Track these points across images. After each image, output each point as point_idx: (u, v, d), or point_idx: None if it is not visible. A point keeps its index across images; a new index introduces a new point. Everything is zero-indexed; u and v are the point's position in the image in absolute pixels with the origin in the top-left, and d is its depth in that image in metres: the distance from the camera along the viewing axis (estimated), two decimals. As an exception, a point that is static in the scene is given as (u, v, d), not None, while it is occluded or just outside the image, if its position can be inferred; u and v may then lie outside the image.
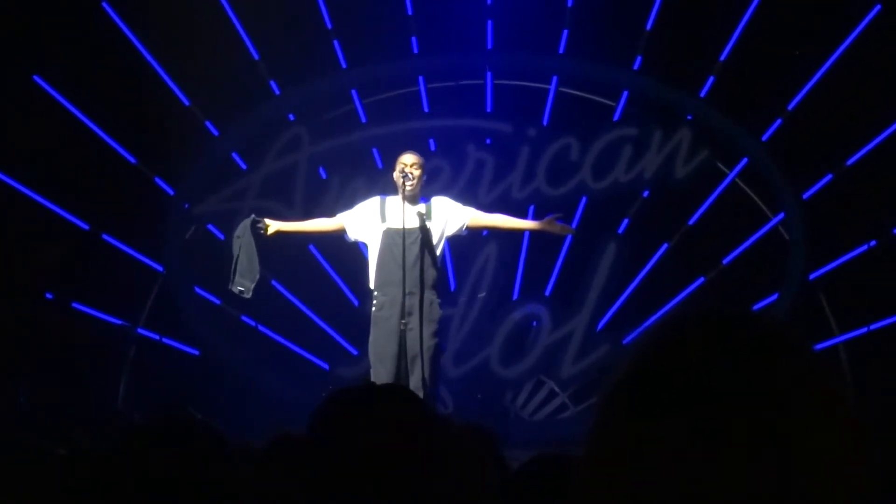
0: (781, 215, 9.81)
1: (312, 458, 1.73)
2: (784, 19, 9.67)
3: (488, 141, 9.90)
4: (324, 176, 9.84)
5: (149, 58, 9.84)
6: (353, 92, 10.09)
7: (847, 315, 9.56)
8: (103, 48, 9.69)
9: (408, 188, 7.26)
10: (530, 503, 2.70)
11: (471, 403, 9.55)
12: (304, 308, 9.95)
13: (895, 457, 2.56)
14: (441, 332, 7.53)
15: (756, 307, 9.30)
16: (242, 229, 7.61)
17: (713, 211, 9.91)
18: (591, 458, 1.15)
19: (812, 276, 9.69)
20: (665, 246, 9.92)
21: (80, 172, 9.64)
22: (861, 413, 1.14)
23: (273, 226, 7.60)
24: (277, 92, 10.05)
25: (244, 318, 9.82)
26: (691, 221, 9.92)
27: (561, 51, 10.06)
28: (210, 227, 9.81)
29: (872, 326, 9.50)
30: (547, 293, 9.93)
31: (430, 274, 7.30)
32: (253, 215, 7.74)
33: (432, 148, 9.80)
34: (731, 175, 9.91)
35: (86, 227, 9.72)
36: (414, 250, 7.22)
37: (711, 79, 9.91)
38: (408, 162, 7.34)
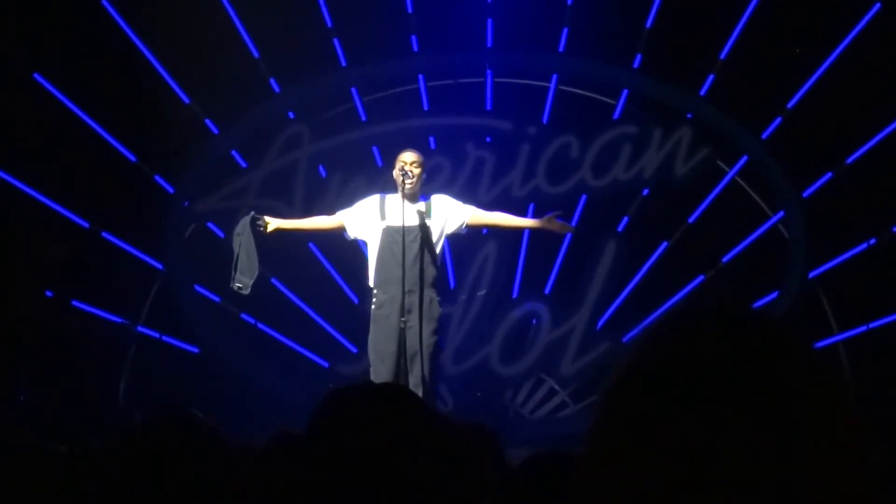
0: (781, 214, 9.81)
1: (312, 457, 1.74)
2: (784, 18, 9.67)
3: (488, 139, 9.89)
4: (324, 174, 9.84)
5: (149, 56, 9.84)
6: (353, 90, 10.08)
7: (847, 313, 9.56)
8: (103, 46, 9.68)
9: (407, 186, 7.26)
10: (530, 501, 2.70)
11: (470, 401, 9.55)
12: (303, 306, 9.95)
13: (895, 455, 2.56)
14: (441, 330, 7.54)
15: (756, 305, 9.29)
16: (242, 227, 7.63)
17: (713, 209, 9.91)
18: (592, 456, 1.15)
19: (812, 275, 9.69)
20: (665, 244, 9.91)
21: (79, 170, 9.64)
22: (861, 411, 1.15)
23: (273, 223, 7.61)
24: (277, 90, 10.04)
25: (244, 316, 9.82)
26: (691, 220, 9.92)
27: (561, 49, 10.05)
28: (210, 225, 9.81)
29: (872, 325, 9.50)
30: (547, 291, 9.93)
31: (430, 272, 7.31)
32: (252, 213, 7.74)
33: (432, 146, 9.80)
34: (731, 173, 9.91)
35: (86, 225, 9.72)
36: (413, 248, 7.23)
37: (711, 77, 9.91)
38: (408, 160, 7.34)
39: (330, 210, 7.98)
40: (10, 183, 9.50)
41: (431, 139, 9.87)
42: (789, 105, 9.84)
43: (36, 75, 9.64)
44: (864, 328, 9.51)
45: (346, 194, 9.08)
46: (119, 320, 9.74)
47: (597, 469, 1.13)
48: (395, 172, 7.37)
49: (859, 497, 1.09)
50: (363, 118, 10.07)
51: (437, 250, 7.38)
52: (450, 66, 10.13)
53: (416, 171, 7.32)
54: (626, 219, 9.90)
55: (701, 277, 9.85)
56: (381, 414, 1.77)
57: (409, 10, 10.06)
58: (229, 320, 9.77)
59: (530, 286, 9.93)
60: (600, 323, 9.81)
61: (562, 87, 10.04)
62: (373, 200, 7.50)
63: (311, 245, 9.82)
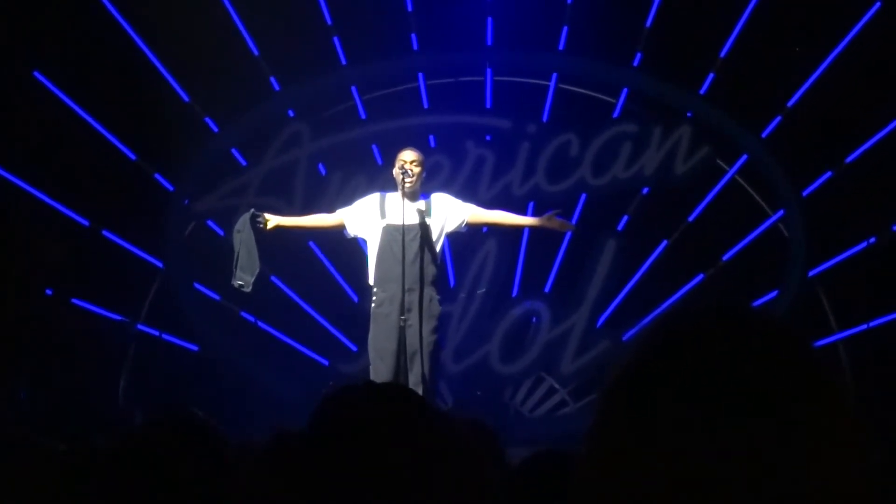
0: (781, 212, 9.82)
1: (312, 457, 1.74)
2: (784, 16, 9.67)
3: (488, 137, 9.89)
4: (324, 172, 9.84)
5: (149, 54, 9.84)
6: (353, 88, 10.08)
7: (846, 312, 9.56)
8: (103, 44, 9.68)
9: (407, 185, 7.27)
10: (531, 500, 2.70)
11: (470, 400, 9.55)
12: (303, 304, 9.95)
13: (895, 454, 2.56)
14: (440, 328, 7.54)
15: (755, 304, 9.29)
16: (242, 224, 7.63)
17: (713, 208, 9.91)
18: (592, 455, 1.15)
19: (811, 273, 9.69)
20: (665, 243, 9.92)
21: (80, 169, 9.64)
22: (861, 411, 1.15)
23: (272, 220, 7.61)
24: (277, 88, 10.04)
25: (244, 314, 9.82)
26: (691, 218, 9.92)
27: (561, 48, 10.05)
28: (210, 223, 9.80)
29: (872, 323, 9.50)
30: (546, 290, 9.93)
31: (430, 270, 7.31)
32: (252, 210, 7.75)
33: (432, 144, 9.80)
34: (731, 172, 9.91)
35: (85, 223, 9.72)
36: (413, 247, 7.23)
37: (711, 76, 9.91)
38: (407, 159, 7.34)
39: (330, 208, 7.98)
40: (9, 181, 9.50)
41: (431, 138, 9.87)
42: (789, 104, 9.85)
43: (36, 73, 9.64)
44: (863, 327, 9.51)
45: (346, 193, 9.08)
46: (119, 318, 9.74)
47: (597, 468, 1.14)
48: (395, 171, 7.37)
49: (859, 497, 1.09)
50: (363, 116, 10.07)
51: (437, 249, 7.39)
52: (450, 65, 10.13)
53: (416, 169, 7.32)
54: (625, 217, 9.90)
55: (701, 276, 9.85)
56: (381, 414, 1.77)
57: (409, 9, 10.06)
58: (229, 318, 9.77)
59: (530, 284, 9.93)
60: (600, 321, 9.81)
61: (562, 86, 10.04)
62: (373, 199, 7.51)
63: (310, 243, 9.82)
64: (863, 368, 9.01)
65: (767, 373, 1.12)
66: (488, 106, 10.07)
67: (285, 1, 9.88)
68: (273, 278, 9.65)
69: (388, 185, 7.62)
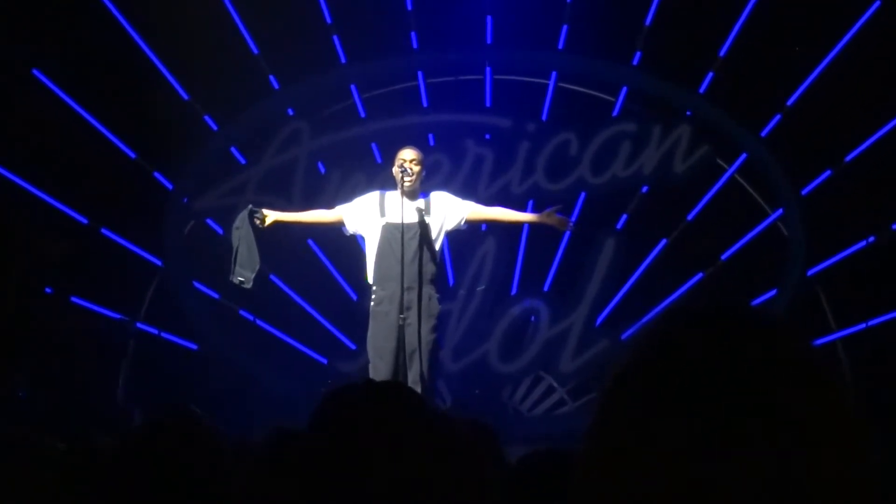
0: (780, 211, 9.82)
1: (310, 455, 1.74)
2: (783, 15, 9.67)
3: (487, 136, 9.89)
4: (323, 171, 9.84)
5: (148, 52, 9.84)
6: (353, 87, 10.08)
7: (845, 311, 9.56)
8: (102, 42, 9.67)
9: (406, 184, 7.27)
10: (529, 499, 2.70)
11: (469, 398, 9.55)
12: (302, 303, 9.95)
13: (894, 454, 2.56)
14: (440, 327, 7.54)
15: (755, 303, 9.30)
16: (241, 220, 7.64)
17: (712, 207, 9.91)
18: (591, 454, 1.15)
19: (810, 272, 9.70)
20: (664, 241, 9.92)
21: (79, 167, 9.63)
22: (860, 410, 1.15)
23: (271, 216, 7.61)
24: (277, 87, 10.04)
25: (243, 313, 9.82)
26: (690, 217, 9.92)
27: (560, 46, 10.05)
28: (209, 221, 9.80)
29: (871, 322, 9.50)
30: (545, 288, 9.93)
31: (429, 269, 7.31)
32: (250, 206, 7.75)
33: (431, 143, 9.80)
34: (730, 171, 9.91)
35: (85, 221, 9.72)
36: (413, 245, 7.23)
37: (711, 75, 9.91)
38: (407, 157, 7.34)
39: (329, 206, 7.98)
40: (9, 179, 9.50)
41: (431, 136, 9.87)
42: (789, 103, 9.85)
43: (35, 72, 9.64)
44: (862, 326, 9.51)
45: (346, 191, 9.07)
46: (118, 317, 9.74)
47: (596, 468, 1.13)
48: (395, 170, 7.37)
49: (860, 497, 1.09)
50: (362, 115, 10.07)
51: (437, 247, 7.39)
52: (449, 64, 10.12)
53: (416, 168, 7.33)
54: (625, 216, 9.90)
55: (700, 275, 9.85)
56: (381, 413, 1.77)
57: (409, 8, 10.06)
58: (228, 317, 9.77)
59: (529, 283, 9.93)
60: (599, 320, 9.81)
61: (561, 85, 10.04)
62: (372, 197, 7.51)
63: (310, 242, 9.83)
64: (862, 368, 9.00)
65: (767, 372, 1.11)
66: (488, 104, 10.07)
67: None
68: (272, 277, 9.65)
69: (387, 183, 7.62)
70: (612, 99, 9.99)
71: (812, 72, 9.79)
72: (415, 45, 10.10)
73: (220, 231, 9.47)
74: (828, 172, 9.75)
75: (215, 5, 9.83)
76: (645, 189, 9.86)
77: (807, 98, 9.80)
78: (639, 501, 1.09)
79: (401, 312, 7.22)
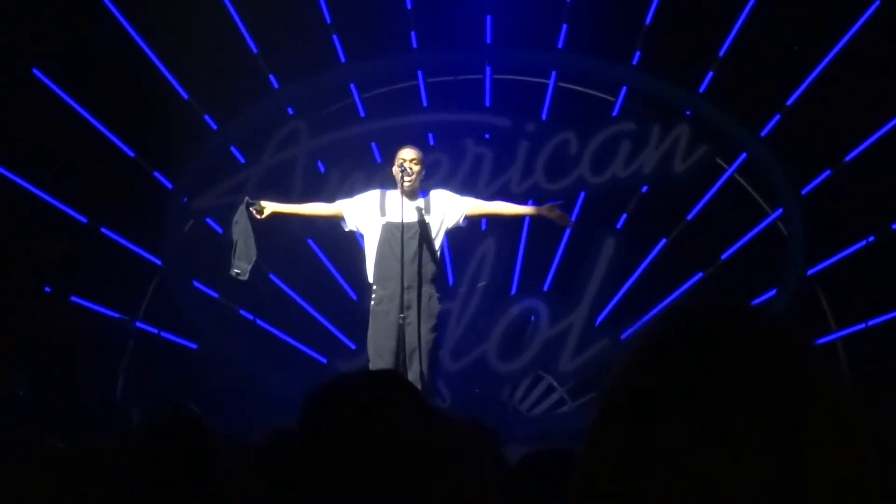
0: (780, 211, 9.82)
1: (307, 453, 1.73)
2: (783, 15, 9.67)
3: (487, 136, 9.89)
4: (322, 170, 9.84)
5: (148, 51, 9.83)
6: (353, 86, 10.08)
7: (845, 311, 9.56)
8: (102, 42, 9.68)
9: (406, 183, 7.27)
10: (529, 499, 2.70)
11: (469, 398, 9.55)
12: (302, 302, 9.95)
13: (894, 453, 2.57)
14: (439, 326, 7.55)
15: (754, 303, 9.30)
16: (240, 214, 7.64)
17: (712, 206, 9.91)
18: (591, 454, 1.15)
19: (810, 272, 9.70)
20: (663, 241, 9.91)
21: (78, 166, 9.64)
22: (860, 410, 1.15)
23: (269, 207, 7.60)
24: (276, 86, 10.04)
25: (242, 312, 9.82)
26: (690, 217, 9.92)
27: (560, 46, 10.05)
28: (208, 221, 9.80)
29: (871, 322, 9.50)
30: (545, 288, 9.93)
31: (429, 268, 7.31)
32: (247, 197, 7.74)
33: (431, 142, 9.80)
34: (730, 171, 9.91)
35: (84, 220, 9.72)
36: (412, 245, 7.23)
37: (710, 74, 9.91)
38: (406, 157, 7.34)
39: (329, 201, 7.97)
40: (9, 179, 9.50)
41: (430, 136, 9.87)
42: (788, 102, 9.85)
43: (35, 71, 9.64)
44: (862, 326, 9.51)
45: (345, 191, 9.07)
46: (118, 316, 9.74)
47: (596, 467, 1.13)
48: (395, 169, 7.37)
49: (860, 497, 1.09)
50: (362, 114, 10.06)
51: (436, 246, 7.39)
52: (449, 63, 10.12)
53: (416, 168, 7.33)
54: (624, 216, 9.90)
55: (699, 275, 9.85)
56: (378, 407, 1.77)
57: (409, 7, 10.05)
58: (228, 316, 9.77)
59: (529, 283, 9.93)
60: (599, 320, 9.81)
61: (561, 84, 10.04)
62: (373, 195, 7.51)
63: (309, 241, 9.83)
64: (862, 368, 9.00)
65: (767, 372, 1.11)
66: (487, 104, 10.07)
67: (285, -2, 9.90)
68: (272, 276, 9.65)
69: (386, 182, 7.62)
70: (612, 99, 9.99)
71: (812, 72, 9.79)
72: (414, 45, 10.10)
73: (220, 230, 9.47)
74: (827, 172, 9.75)
75: (215, 5, 9.83)
76: (645, 189, 9.86)
77: (806, 98, 9.80)
78: (639, 501, 1.09)
79: (401, 312, 7.22)
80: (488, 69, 10.06)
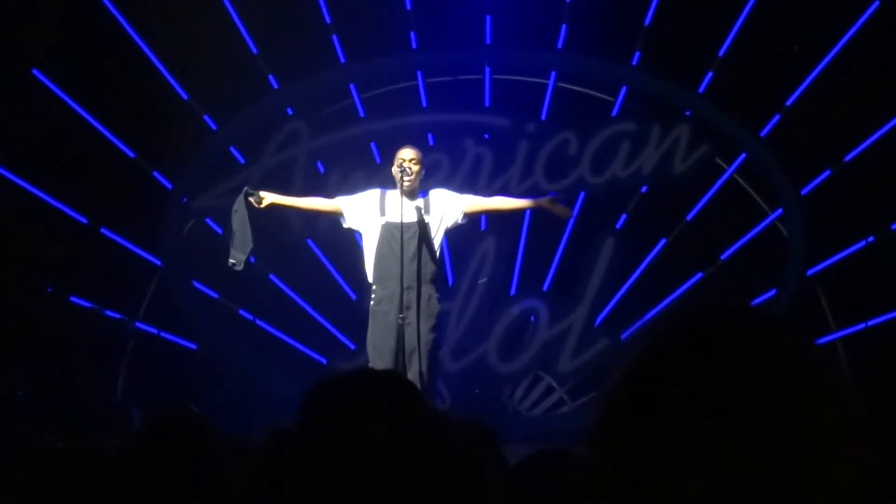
0: (779, 211, 9.82)
1: (306, 453, 1.73)
2: (782, 15, 9.67)
3: (487, 136, 9.89)
4: (322, 170, 9.84)
5: (148, 52, 9.84)
6: (352, 86, 10.08)
7: (845, 311, 9.56)
8: (102, 42, 9.68)
9: (406, 183, 7.27)
10: (529, 499, 2.70)
11: (469, 398, 9.55)
12: (301, 302, 9.95)
13: (893, 453, 2.56)
14: (439, 326, 7.54)
15: (754, 303, 9.28)
16: (238, 203, 7.62)
17: (711, 206, 9.91)
18: (593, 454, 1.15)
19: (810, 272, 9.70)
20: (663, 241, 9.91)
21: (78, 166, 9.64)
22: (860, 410, 1.15)
23: (268, 198, 7.59)
24: (276, 86, 10.04)
25: (242, 313, 9.82)
26: (689, 217, 9.92)
27: (559, 46, 10.05)
28: (208, 221, 9.80)
29: (870, 322, 9.50)
30: (545, 288, 9.93)
31: (429, 268, 7.31)
32: (246, 187, 7.74)
33: (431, 143, 9.80)
34: (730, 171, 9.91)
35: (84, 221, 9.72)
36: (412, 245, 7.23)
37: (710, 74, 9.91)
38: (406, 157, 7.34)
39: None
40: (9, 179, 9.50)
41: (430, 136, 9.87)
42: (788, 102, 9.85)
43: (35, 71, 9.64)
44: (862, 326, 9.51)
45: (345, 191, 9.06)
46: (117, 316, 9.74)
47: (598, 467, 1.13)
48: (394, 169, 7.37)
49: (860, 497, 1.09)
50: (362, 114, 10.07)
51: (436, 246, 7.39)
52: (448, 63, 10.12)
53: (415, 168, 7.32)
54: (624, 216, 9.90)
55: (699, 275, 9.85)
56: (376, 406, 1.77)
57: (408, 7, 10.06)
58: (228, 316, 9.77)
59: (528, 283, 9.93)
60: (598, 320, 9.81)
61: (560, 84, 10.04)
62: (373, 195, 7.50)
63: (309, 241, 9.83)
64: (862, 368, 9.00)
65: (767, 372, 1.11)
66: (487, 104, 10.07)
67: (284, -2, 9.90)
68: (271, 276, 9.65)
69: (386, 182, 7.62)
70: (612, 99, 9.99)
71: (811, 72, 9.79)
72: (414, 45, 10.10)
73: (220, 231, 9.46)
74: (827, 172, 9.75)
75: (215, 5, 9.83)
76: (644, 189, 9.86)
77: (806, 98, 9.80)
78: (639, 502, 1.09)
79: (400, 312, 7.22)
80: (488, 69, 10.06)
